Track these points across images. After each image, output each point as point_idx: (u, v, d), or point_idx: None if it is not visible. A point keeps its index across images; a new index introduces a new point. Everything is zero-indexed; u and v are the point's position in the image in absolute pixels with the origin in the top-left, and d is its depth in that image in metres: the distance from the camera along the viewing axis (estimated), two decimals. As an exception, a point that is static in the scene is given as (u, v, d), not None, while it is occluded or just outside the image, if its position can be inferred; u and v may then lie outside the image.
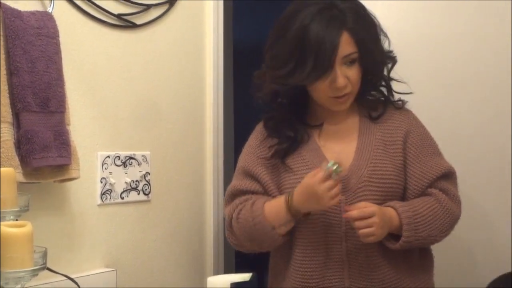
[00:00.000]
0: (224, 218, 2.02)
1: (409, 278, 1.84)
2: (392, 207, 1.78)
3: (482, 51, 2.21)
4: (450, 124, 2.25)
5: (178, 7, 2.41)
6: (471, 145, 2.21)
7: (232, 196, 1.92)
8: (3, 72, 1.75)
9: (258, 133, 1.97)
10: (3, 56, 1.76)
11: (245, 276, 1.96)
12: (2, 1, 1.78)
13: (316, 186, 1.68)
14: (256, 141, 1.95)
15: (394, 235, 1.78)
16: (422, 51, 2.30)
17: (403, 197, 1.85)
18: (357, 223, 1.71)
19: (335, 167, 1.67)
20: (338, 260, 1.80)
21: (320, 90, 1.80)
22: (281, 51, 1.79)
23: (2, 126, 1.72)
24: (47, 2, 1.93)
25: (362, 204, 1.74)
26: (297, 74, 1.75)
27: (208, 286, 1.97)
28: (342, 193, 1.77)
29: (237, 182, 1.93)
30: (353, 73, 1.78)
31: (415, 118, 1.94)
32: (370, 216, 1.70)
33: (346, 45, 1.74)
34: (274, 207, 1.80)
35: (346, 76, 1.76)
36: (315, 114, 1.92)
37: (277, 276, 1.94)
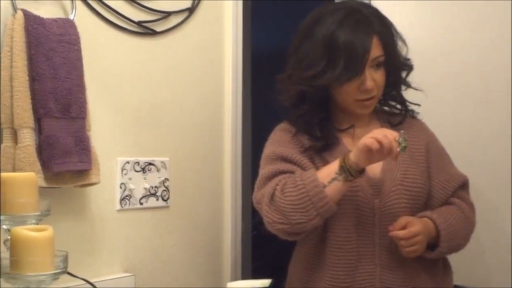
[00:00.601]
0: (257, 206, 1.85)
1: (436, 283, 1.87)
2: (428, 217, 1.81)
3: (493, 55, 2.20)
4: (462, 129, 2.24)
5: (198, 14, 2.43)
6: (487, 150, 2.21)
7: (267, 178, 1.83)
8: (26, 78, 1.77)
9: (285, 130, 1.93)
10: (25, 63, 1.78)
11: (265, 282, 1.96)
12: (25, 9, 1.81)
13: (386, 130, 1.69)
14: (287, 137, 1.90)
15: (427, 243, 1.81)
16: (434, 57, 2.29)
17: (426, 204, 1.86)
18: (403, 243, 1.74)
19: (403, 139, 1.66)
20: (371, 263, 1.80)
21: (348, 93, 1.81)
22: (309, 53, 1.80)
23: (24, 131, 1.75)
24: (69, 9, 1.96)
25: (404, 220, 1.76)
26: (327, 75, 1.77)
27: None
28: (376, 196, 1.80)
29: (272, 166, 1.85)
30: (379, 76, 1.81)
31: (428, 128, 1.99)
32: (416, 235, 1.73)
33: (375, 48, 1.77)
34: (325, 168, 1.77)
35: (373, 79, 1.78)
36: (337, 120, 1.93)
37: (302, 278, 1.91)
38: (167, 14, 2.29)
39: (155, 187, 2.23)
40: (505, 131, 2.15)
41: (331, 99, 1.90)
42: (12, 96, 1.75)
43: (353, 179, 1.72)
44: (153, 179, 2.23)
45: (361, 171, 1.72)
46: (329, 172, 1.73)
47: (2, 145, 1.75)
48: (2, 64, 1.77)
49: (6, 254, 1.48)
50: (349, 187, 1.76)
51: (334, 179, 1.72)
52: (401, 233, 1.74)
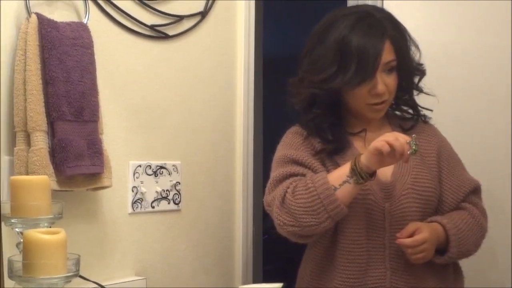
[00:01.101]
0: (268, 208, 1.87)
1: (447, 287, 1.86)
2: (438, 222, 1.81)
3: (496, 56, 2.20)
4: (465, 131, 2.24)
5: (210, 18, 2.43)
6: (488, 153, 2.22)
7: (278, 181, 1.84)
8: (39, 81, 1.78)
9: (296, 133, 1.93)
10: (39, 66, 1.79)
11: (276, 286, 1.96)
12: (39, 12, 1.82)
13: (397, 133, 1.68)
14: (298, 139, 1.91)
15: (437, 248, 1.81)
16: (439, 59, 2.28)
17: (437, 209, 1.86)
18: (410, 250, 1.74)
19: (414, 143, 1.66)
20: (381, 267, 1.80)
21: (359, 96, 1.81)
22: (321, 56, 1.80)
23: (37, 134, 1.76)
24: (82, 13, 1.96)
25: (412, 227, 1.75)
26: (338, 78, 1.77)
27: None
28: (386, 199, 1.79)
29: (283, 169, 1.85)
30: (391, 80, 1.81)
31: (440, 133, 1.97)
32: (422, 243, 1.73)
33: (387, 52, 1.77)
34: (336, 171, 1.77)
35: (384, 83, 1.78)
36: (349, 124, 1.93)
37: (312, 280, 1.91)
38: (180, 18, 2.30)
39: (167, 190, 2.24)
40: (506, 131, 2.16)
41: (343, 103, 1.90)
42: (25, 100, 1.76)
43: (364, 182, 1.72)
44: (165, 182, 2.23)
45: (372, 174, 1.72)
46: (340, 174, 1.73)
47: (15, 148, 1.76)
48: (15, 67, 1.78)
49: (18, 257, 1.49)
50: (360, 190, 1.76)
51: (345, 182, 1.72)
52: (407, 241, 1.73)
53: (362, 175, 1.70)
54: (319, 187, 1.73)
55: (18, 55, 1.78)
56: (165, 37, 2.25)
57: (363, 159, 1.69)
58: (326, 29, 1.83)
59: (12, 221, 1.53)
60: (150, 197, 2.18)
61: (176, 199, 2.27)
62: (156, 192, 2.20)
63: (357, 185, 1.72)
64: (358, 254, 1.81)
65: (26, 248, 1.45)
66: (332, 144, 1.87)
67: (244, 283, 2.51)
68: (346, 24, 1.78)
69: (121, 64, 2.11)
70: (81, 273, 1.58)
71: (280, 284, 1.94)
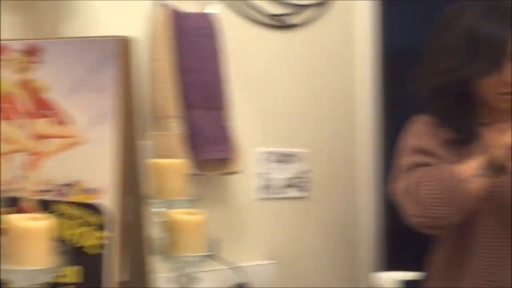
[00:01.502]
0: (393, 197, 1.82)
1: None
2: None
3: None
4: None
5: (331, 8, 2.43)
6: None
7: (405, 170, 1.80)
8: (172, 70, 1.85)
9: (423, 123, 1.88)
10: (170, 56, 1.86)
11: (415, 275, 1.93)
12: (168, 3, 1.88)
13: None
14: (425, 129, 1.85)
15: None
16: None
17: None
18: None
19: None
20: None
21: (488, 86, 1.76)
22: (448, 46, 1.76)
23: (171, 121, 1.83)
24: (208, 4, 2.01)
25: None
26: (466, 68, 1.72)
27: (377, 282, 1.96)
28: None
29: (410, 158, 1.82)
30: None
31: None
32: None
33: None
34: (467, 163, 1.70)
35: None
36: (478, 114, 1.87)
37: (442, 274, 1.88)
38: (302, 7, 2.31)
39: (296, 178, 2.26)
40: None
41: (472, 92, 1.85)
42: (159, 88, 1.84)
43: (496, 176, 1.66)
44: (294, 170, 2.26)
45: (506, 169, 1.67)
46: (471, 167, 1.68)
47: (152, 134, 1.84)
48: (149, 57, 1.85)
49: (158, 235, 1.54)
50: (492, 183, 1.70)
51: (476, 174, 1.66)
52: None
53: (495, 170, 1.65)
54: (449, 179, 1.68)
55: (151, 45, 1.85)
56: (289, 26, 2.28)
57: (496, 153, 1.64)
58: (452, 17, 1.79)
59: (154, 201, 1.59)
60: (278, 183, 2.22)
61: (304, 186, 2.29)
62: (285, 179, 2.23)
63: (489, 179, 1.67)
64: (489, 250, 1.75)
65: (168, 227, 1.50)
66: (461, 134, 1.82)
67: (371, 272, 2.50)
68: (475, 11, 1.74)
69: (247, 53, 2.15)
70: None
71: (419, 274, 1.91)
